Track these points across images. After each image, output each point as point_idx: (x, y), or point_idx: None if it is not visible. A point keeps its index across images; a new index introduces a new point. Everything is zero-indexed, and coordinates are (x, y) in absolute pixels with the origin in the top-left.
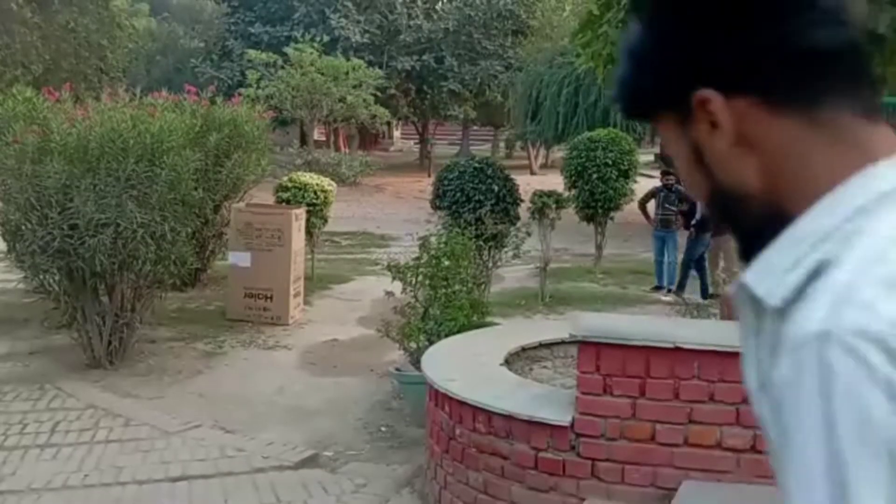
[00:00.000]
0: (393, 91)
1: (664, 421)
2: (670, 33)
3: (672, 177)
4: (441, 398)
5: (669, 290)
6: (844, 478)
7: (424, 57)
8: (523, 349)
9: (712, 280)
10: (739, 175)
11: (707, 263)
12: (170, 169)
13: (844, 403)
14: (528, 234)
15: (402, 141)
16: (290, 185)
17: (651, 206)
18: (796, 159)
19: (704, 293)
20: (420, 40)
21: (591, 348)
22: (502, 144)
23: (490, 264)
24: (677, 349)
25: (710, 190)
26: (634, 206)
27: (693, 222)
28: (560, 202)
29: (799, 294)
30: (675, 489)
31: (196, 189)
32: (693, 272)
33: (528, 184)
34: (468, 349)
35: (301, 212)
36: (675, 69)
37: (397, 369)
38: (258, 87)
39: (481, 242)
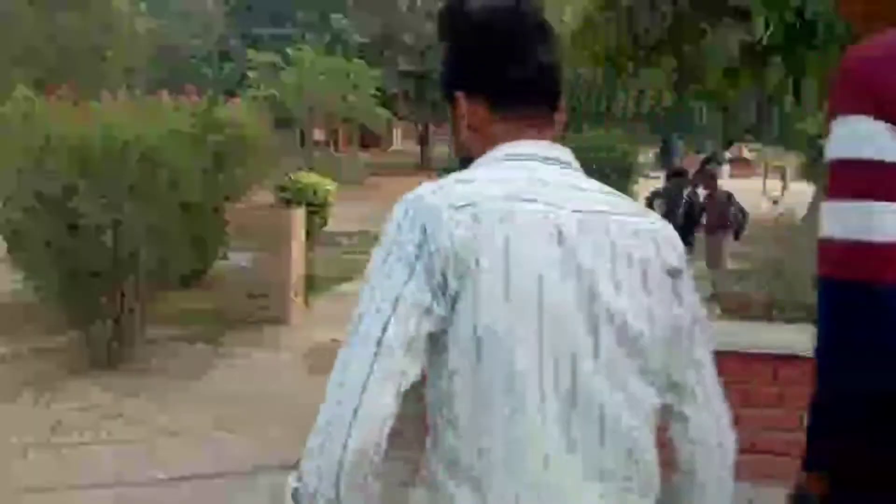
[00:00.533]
0: (393, 91)
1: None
2: (447, 59)
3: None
4: None
5: None
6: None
7: (424, 57)
8: None
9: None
10: (469, 144)
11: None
12: (170, 169)
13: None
14: None
15: (402, 141)
16: (290, 185)
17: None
18: (490, 139)
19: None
20: (420, 41)
21: None
22: None
23: None
24: None
25: (458, 149)
26: None
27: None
28: None
29: None
30: None
31: (196, 189)
32: None
33: None
34: None
35: (301, 212)
36: (447, 78)
37: None
38: (259, 88)
39: None
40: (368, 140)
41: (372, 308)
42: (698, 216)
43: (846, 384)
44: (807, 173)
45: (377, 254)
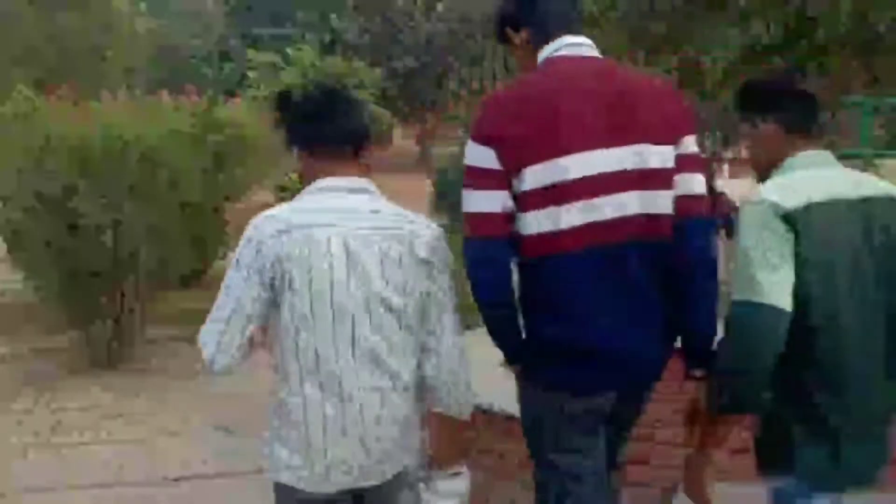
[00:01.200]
0: (393, 91)
1: (664, 421)
2: (286, 128)
3: None
4: None
5: None
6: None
7: (424, 57)
8: None
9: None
10: (306, 180)
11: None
12: (170, 169)
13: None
14: None
15: (401, 141)
16: (290, 184)
17: None
18: (313, 176)
19: None
20: (420, 41)
21: None
22: None
23: None
24: (680, 350)
25: (305, 182)
26: None
27: None
28: None
29: None
30: (675, 489)
31: (196, 189)
32: None
33: None
34: (468, 350)
35: None
36: (288, 138)
37: None
38: (259, 88)
39: None
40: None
41: (230, 292)
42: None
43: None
44: None
45: (234, 258)
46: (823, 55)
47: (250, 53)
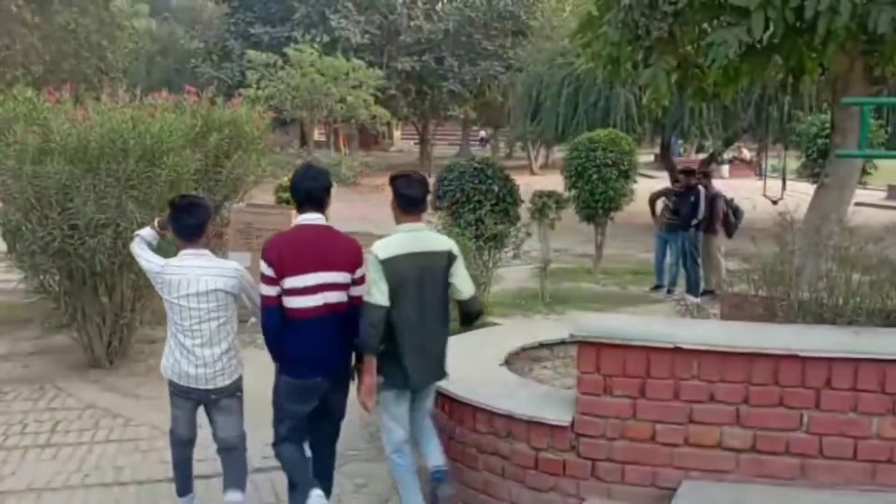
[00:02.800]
0: (393, 91)
1: (664, 421)
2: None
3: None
4: (441, 398)
5: (669, 291)
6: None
7: (424, 57)
8: (523, 349)
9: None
10: None
11: (700, 260)
12: (170, 169)
13: None
14: (528, 235)
15: (401, 141)
16: (290, 185)
17: (660, 205)
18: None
19: (694, 289)
20: (420, 41)
21: (591, 348)
22: (502, 145)
23: (490, 264)
24: (677, 349)
25: None
26: (634, 206)
27: (694, 222)
28: (560, 202)
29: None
30: (675, 489)
31: (196, 189)
32: (680, 268)
33: (528, 184)
34: (468, 349)
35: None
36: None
37: None
38: (258, 88)
39: (481, 243)
40: (368, 140)
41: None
42: (735, 215)
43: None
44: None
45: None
46: (822, 55)
47: (250, 54)
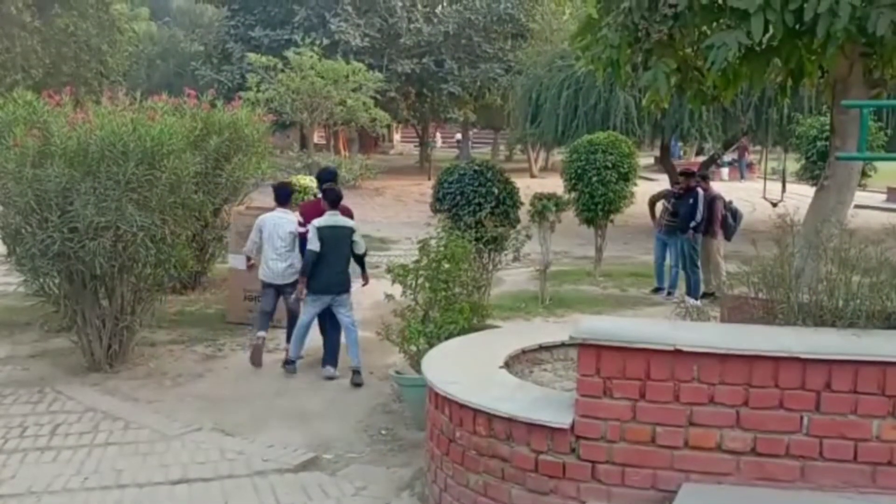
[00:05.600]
0: (393, 94)
1: (664, 423)
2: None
3: (682, 183)
4: (441, 401)
5: (669, 294)
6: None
7: (424, 60)
8: (523, 352)
9: (715, 281)
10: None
11: (700, 263)
12: (170, 172)
13: None
14: (528, 237)
15: (401, 144)
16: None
17: (659, 208)
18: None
19: (694, 291)
20: (420, 44)
21: (591, 351)
22: (502, 147)
23: (490, 267)
24: (677, 352)
25: None
26: (634, 209)
27: (693, 224)
28: (560, 205)
29: None
30: (676, 491)
31: (196, 192)
32: (680, 270)
33: (527, 186)
34: (468, 352)
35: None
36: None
37: (397, 372)
38: (258, 91)
39: (481, 245)
40: (368, 142)
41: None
42: (734, 217)
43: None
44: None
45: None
46: (823, 57)
47: (250, 57)
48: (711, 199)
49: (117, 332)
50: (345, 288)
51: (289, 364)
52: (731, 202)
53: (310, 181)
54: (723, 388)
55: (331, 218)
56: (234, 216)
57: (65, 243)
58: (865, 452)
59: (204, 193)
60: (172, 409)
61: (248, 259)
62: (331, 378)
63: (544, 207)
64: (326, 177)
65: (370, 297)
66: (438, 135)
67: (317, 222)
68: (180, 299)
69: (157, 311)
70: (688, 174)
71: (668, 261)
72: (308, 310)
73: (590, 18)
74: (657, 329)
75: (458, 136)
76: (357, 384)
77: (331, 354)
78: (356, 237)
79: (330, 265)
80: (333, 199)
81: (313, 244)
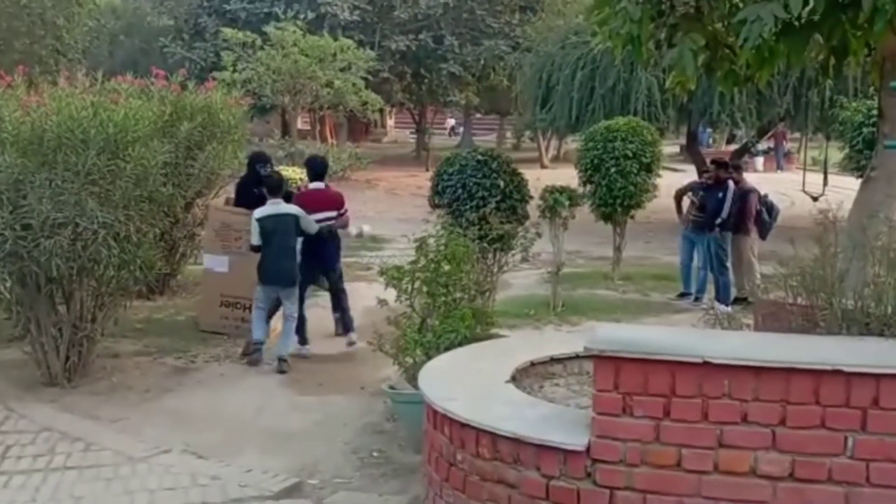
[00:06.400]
0: (386, 74)
1: (691, 445)
2: None
3: (712, 173)
4: (440, 419)
5: (696, 299)
6: None
7: (421, 36)
8: (532, 364)
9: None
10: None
11: (729, 264)
12: (135, 162)
13: None
14: (539, 235)
15: (396, 131)
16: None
17: (687, 202)
18: None
19: (723, 296)
20: (416, 17)
21: (608, 363)
22: (509, 134)
23: (495, 269)
24: (706, 364)
25: None
26: (657, 203)
27: (719, 221)
28: (574, 199)
29: None
30: None
31: (165, 185)
32: (708, 273)
33: (537, 178)
34: (471, 364)
35: None
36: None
37: (391, 387)
38: (234, 71)
39: (485, 244)
40: (358, 129)
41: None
42: (770, 212)
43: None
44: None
45: None
46: (869, 32)
47: (225, 32)
48: (745, 193)
49: (76, 342)
50: (291, 280)
51: (255, 353)
52: (766, 196)
53: (292, 172)
54: (757, 405)
55: (272, 207)
56: (211, 212)
57: (17, 242)
58: None
59: (174, 186)
60: (138, 429)
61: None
62: (352, 344)
63: (556, 202)
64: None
65: (361, 303)
66: (452, 120)
67: (257, 213)
68: (147, 305)
69: (120, 319)
70: (720, 163)
71: (695, 262)
72: (258, 302)
73: None
74: (683, 339)
75: (451, 121)
76: (282, 371)
77: (346, 326)
78: (303, 223)
79: (275, 256)
80: (273, 186)
81: (254, 238)
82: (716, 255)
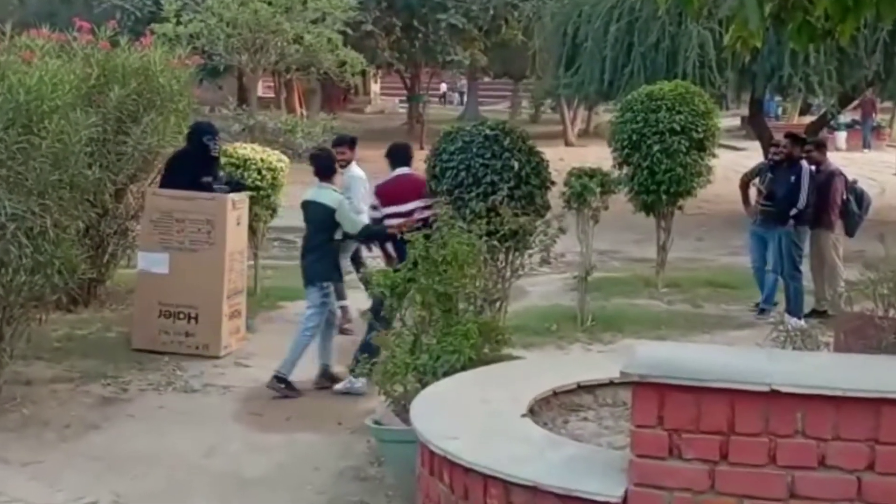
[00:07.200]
0: (370, 27)
1: (755, 495)
2: None
3: (783, 149)
4: (438, 463)
5: (763, 310)
6: None
7: None
8: (555, 394)
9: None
10: None
11: (805, 267)
12: (53, 138)
13: None
14: (563, 231)
15: (382, 99)
16: (224, 160)
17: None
18: None
19: (796, 307)
20: None
21: (651, 392)
22: (525, 103)
23: (508, 273)
24: (774, 393)
25: None
26: (713, 190)
27: (793, 213)
28: (607, 185)
29: None
30: None
31: (90, 166)
32: (778, 277)
33: (561, 159)
34: (477, 394)
35: (240, 198)
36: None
37: (376, 422)
38: (179, 23)
39: (495, 242)
40: (335, 96)
41: None
42: (860, 203)
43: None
44: None
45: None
46: None
47: None
48: (828, 176)
49: None
50: (308, 279)
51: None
52: (855, 182)
53: (251, 151)
54: (838, 444)
55: (314, 191)
56: (148, 199)
57: None
58: None
59: (101, 168)
60: (56, 474)
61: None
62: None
63: (585, 188)
64: (325, 162)
65: (337, 316)
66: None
67: (304, 195)
68: (68, 318)
69: (34, 336)
70: (795, 138)
71: (768, 264)
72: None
73: None
74: (745, 361)
75: (443, 86)
76: (271, 388)
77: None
78: (340, 217)
79: (303, 249)
80: (323, 166)
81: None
82: (787, 254)
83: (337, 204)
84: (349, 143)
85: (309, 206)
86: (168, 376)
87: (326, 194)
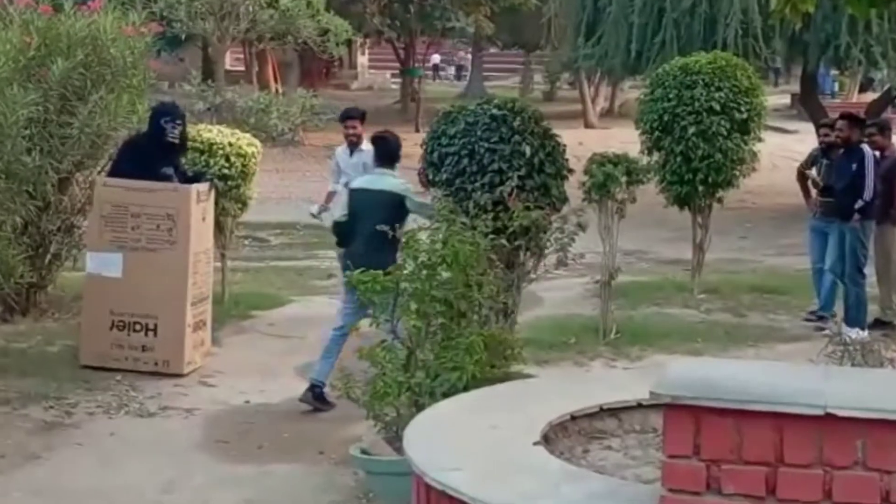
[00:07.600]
0: None
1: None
2: None
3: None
4: (437, 498)
5: (820, 318)
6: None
7: None
8: (573, 418)
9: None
10: None
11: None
12: None
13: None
14: (582, 228)
15: (371, 73)
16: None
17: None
18: None
19: (857, 316)
20: None
21: (685, 416)
22: (538, 77)
23: (519, 277)
24: (829, 417)
25: None
26: (758, 179)
27: (858, 206)
28: (634, 174)
29: None
30: None
31: (30, 152)
32: (835, 279)
33: (580, 143)
34: (482, 418)
35: (205, 189)
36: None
37: (363, 451)
38: None
39: (504, 240)
40: (315, 70)
41: None
42: None
43: None
44: None
45: None
46: None
47: None
48: (893, 164)
49: None
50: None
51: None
52: None
53: (218, 134)
54: None
55: (371, 178)
56: (97, 190)
57: None
58: None
59: (42, 154)
60: None
61: None
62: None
63: (608, 178)
64: (393, 147)
65: (318, 327)
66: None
67: (354, 182)
68: (3, 330)
69: None
70: (854, 119)
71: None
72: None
73: None
74: (795, 380)
75: (436, 57)
76: (305, 401)
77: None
78: (409, 204)
79: (356, 243)
80: (385, 152)
81: (336, 211)
82: (851, 253)
83: (404, 190)
84: (361, 116)
85: (366, 195)
86: (121, 397)
87: (389, 181)
